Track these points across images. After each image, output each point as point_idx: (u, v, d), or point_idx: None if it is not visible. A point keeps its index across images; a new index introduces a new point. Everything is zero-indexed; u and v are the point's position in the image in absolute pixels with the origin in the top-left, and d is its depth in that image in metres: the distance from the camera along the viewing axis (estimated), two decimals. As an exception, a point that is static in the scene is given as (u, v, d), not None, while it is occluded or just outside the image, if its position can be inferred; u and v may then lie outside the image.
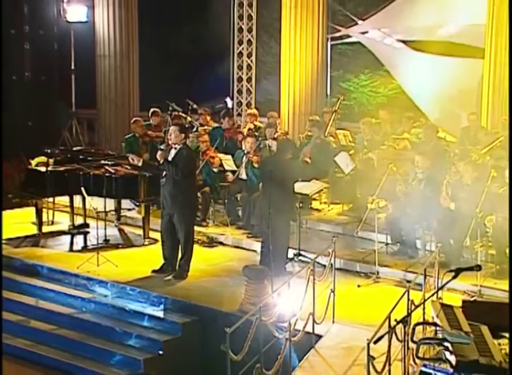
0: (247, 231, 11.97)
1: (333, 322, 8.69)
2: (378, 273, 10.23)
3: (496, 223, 9.85)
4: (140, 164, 11.21)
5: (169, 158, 10.01)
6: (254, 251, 11.32)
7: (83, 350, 9.27)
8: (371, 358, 6.01)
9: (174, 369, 8.49)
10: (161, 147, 10.29)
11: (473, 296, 9.27)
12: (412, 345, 6.32)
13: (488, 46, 13.29)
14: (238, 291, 9.39)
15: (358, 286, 9.99)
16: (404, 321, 5.85)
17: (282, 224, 10.03)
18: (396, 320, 5.91)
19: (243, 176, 12.42)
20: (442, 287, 6.05)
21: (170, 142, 10.17)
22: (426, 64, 15.48)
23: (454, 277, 5.57)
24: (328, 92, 16.31)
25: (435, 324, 5.92)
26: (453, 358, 5.47)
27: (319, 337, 8.36)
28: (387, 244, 10.93)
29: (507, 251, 9.93)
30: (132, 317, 9.59)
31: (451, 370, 5.76)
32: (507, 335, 6.94)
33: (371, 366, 6.07)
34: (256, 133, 13.64)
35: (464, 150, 12.32)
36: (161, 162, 10.02)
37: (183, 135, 10.19)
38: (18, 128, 16.88)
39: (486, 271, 9.64)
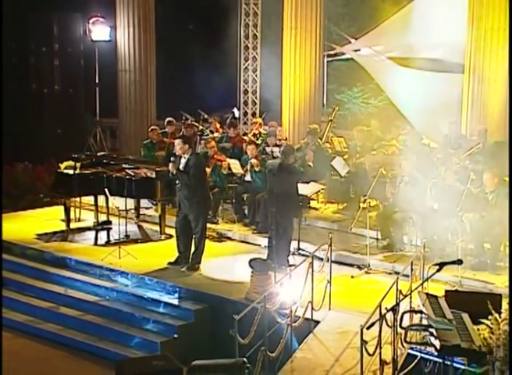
0: (253, 227, 11.92)
1: (330, 309, 8.68)
2: (369, 265, 10.21)
3: (473, 220, 9.84)
4: (174, 172, 10.62)
5: (181, 167, 9.98)
6: (259, 245, 11.30)
7: (106, 333, 9.28)
8: (364, 342, 6.01)
9: (188, 351, 8.44)
10: (172, 159, 10.18)
11: (454, 286, 9.22)
12: (400, 331, 6.29)
13: (468, 62, 13.26)
14: (245, 281, 9.35)
15: (352, 277, 9.97)
16: (394, 309, 5.83)
17: (286, 221, 10.01)
18: (386, 308, 5.90)
19: (249, 178, 12.37)
20: (427, 279, 6.04)
21: (177, 153, 10.12)
22: (412, 78, 15.46)
23: (438, 270, 5.55)
24: (325, 103, 16.30)
25: (421, 312, 5.89)
26: (437, 343, 5.44)
27: (317, 322, 8.35)
28: (377, 239, 10.90)
29: (485, 245, 9.92)
30: (150, 304, 9.58)
31: (435, 353, 5.75)
32: (486, 322, 6.94)
33: (364, 349, 6.07)
34: (261, 139, 13.63)
35: (446, 155, 12.28)
36: (174, 172, 9.98)
37: (187, 145, 10.09)
38: (48, 135, 16.90)
39: (466, 264, 9.51)
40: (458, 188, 9.96)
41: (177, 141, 10.15)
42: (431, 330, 5.51)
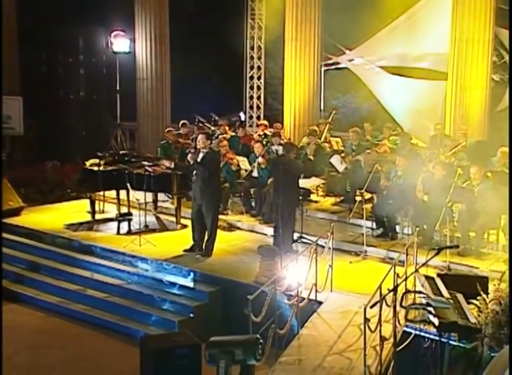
0: (259, 218, 11.75)
1: (331, 291, 8.50)
2: (365, 251, 10.04)
3: (461, 211, 9.68)
4: (172, 166, 10.82)
5: (198, 160, 9.80)
6: (265, 234, 11.13)
7: (128, 313, 9.15)
8: (367, 320, 5.84)
9: (202, 329, 8.28)
10: (192, 151, 10.07)
11: (443, 270, 9.04)
12: (399, 309, 6.12)
13: (451, 71, 13.13)
14: (253, 266, 9.18)
15: (350, 262, 9.78)
16: (394, 290, 5.66)
17: (288, 211, 9.85)
18: (388, 289, 5.72)
19: (255, 174, 12.22)
20: (426, 262, 5.83)
21: (198, 147, 9.95)
22: (400, 85, 15.36)
23: (437, 254, 5.39)
24: (322, 107, 16.12)
25: (419, 292, 5.72)
26: (436, 320, 5.29)
27: (320, 303, 8.19)
28: (372, 228, 10.72)
29: (470, 234, 9.76)
30: (168, 287, 9.44)
31: (433, 330, 5.58)
32: (474, 302, 6.79)
33: (366, 326, 5.91)
34: (265, 140, 13.45)
35: (432, 153, 12.11)
36: (191, 163, 9.83)
37: (208, 141, 10.00)
38: (75, 137, 16.72)
39: (453, 250, 9.33)
40: (446, 182, 9.78)
41: (201, 136, 9.96)
42: (430, 308, 5.35)
